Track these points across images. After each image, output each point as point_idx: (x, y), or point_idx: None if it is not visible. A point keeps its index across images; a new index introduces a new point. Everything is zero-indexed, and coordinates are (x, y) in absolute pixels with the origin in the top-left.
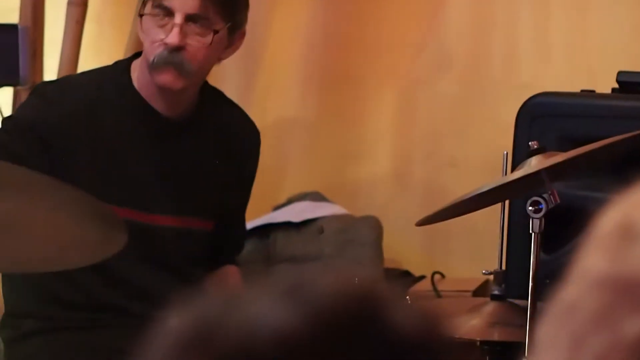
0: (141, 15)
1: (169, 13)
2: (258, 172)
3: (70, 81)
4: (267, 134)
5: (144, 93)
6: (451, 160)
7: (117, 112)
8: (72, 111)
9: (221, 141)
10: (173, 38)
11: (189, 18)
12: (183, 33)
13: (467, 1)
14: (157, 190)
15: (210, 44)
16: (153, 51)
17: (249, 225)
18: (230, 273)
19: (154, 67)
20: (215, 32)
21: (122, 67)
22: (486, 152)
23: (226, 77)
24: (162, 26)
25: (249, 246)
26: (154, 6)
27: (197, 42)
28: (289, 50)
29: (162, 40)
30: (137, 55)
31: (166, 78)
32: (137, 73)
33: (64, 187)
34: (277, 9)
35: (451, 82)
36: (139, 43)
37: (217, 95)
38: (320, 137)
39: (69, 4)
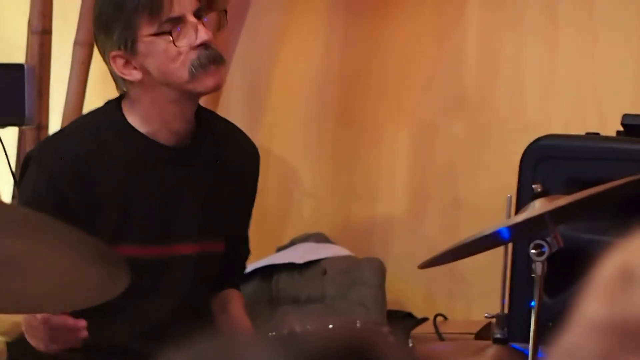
0: (133, 43)
1: (177, 22)
2: (263, 213)
3: (65, 137)
4: (272, 174)
5: (143, 128)
6: (456, 201)
7: (121, 154)
8: (76, 169)
9: (223, 160)
10: (205, 35)
11: (197, 15)
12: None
13: (474, 42)
14: (175, 220)
15: (227, 24)
16: (184, 63)
17: (253, 266)
18: (234, 299)
19: (197, 73)
20: (225, 11)
21: (114, 108)
22: (491, 193)
23: (230, 116)
24: (178, 38)
25: (251, 287)
26: (162, 23)
27: (215, 30)
28: (294, 89)
29: (192, 45)
30: (122, 96)
31: (215, 77)
32: (133, 110)
33: (66, 228)
34: (282, 47)
35: (457, 123)
36: None
37: (210, 115)
38: (324, 178)
39: (75, 44)
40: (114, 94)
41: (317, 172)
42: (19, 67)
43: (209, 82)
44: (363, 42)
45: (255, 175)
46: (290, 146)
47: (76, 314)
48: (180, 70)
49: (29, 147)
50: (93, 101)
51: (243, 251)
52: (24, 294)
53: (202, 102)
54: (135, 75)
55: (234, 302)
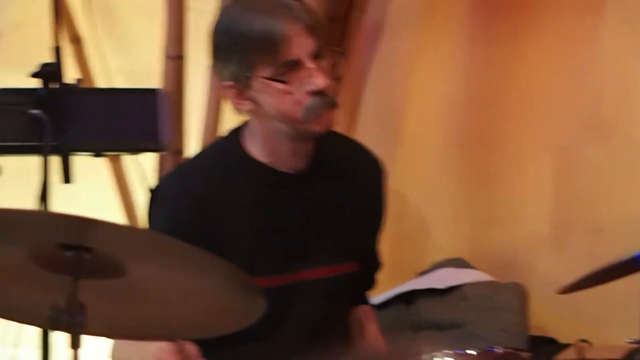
0: (247, 79)
1: (293, 65)
2: (402, 238)
3: (187, 175)
4: (411, 199)
5: (262, 157)
6: (598, 226)
7: (243, 186)
8: (199, 208)
9: (346, 180)
10: (322, 82)
11: (315, 56)
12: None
13: (611, 65)
14: (305, 246)
15: (342, 67)
16: (297, 106)
17: (394, 291)
18: (368, 317)
19: (309, 118)
20: (341, 54)
21: (234, 138)
22: (634, 218)
23: (365, 143)
24: (293, 82)
25: (393, 312)
26: (279, 66)
27: (332, 73)
28: (431, 115)
29: (307, 91)
30: (243, 125)
31: (326, 121)
32: (252, 140)
33: (202, 255)
34: (417, 72)
35: (595, 146)
36: None
37: (331, 136)
38: (464, 203)
39: (210, 68)
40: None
41: (457, 196)
42: (153, 92)
43: (320, 126)
44: (500, 66)
45: (381, 190)
46: (429, 171)
47: (214, 342)
48: (293, 111)
49: (167, 171)
50: (229, 126)
51: (374, 266)
52: (159, 320)
53: (339, 130)
54: (247, 106)
55: (368, 321)
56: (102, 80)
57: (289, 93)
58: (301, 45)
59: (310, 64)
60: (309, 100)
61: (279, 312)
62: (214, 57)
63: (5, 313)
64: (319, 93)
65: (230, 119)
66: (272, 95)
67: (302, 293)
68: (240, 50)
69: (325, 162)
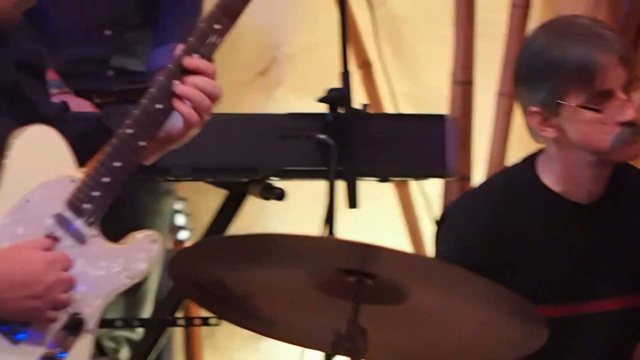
0: (556, 106)
1: (606, 96)
2: None
3: (477, 200)
4: None
5: (556, 187)
6: None
7: (535, 215)
8: (488, 234)
9: (637, 210)
10: (631, 114)
11: (625, 89)
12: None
13: None
14: (593, 277)
15: None
16: (607, 135)
17: None
18: None
19: (617, 148)
20: None
21: (528, 166)
22: None
23: None
24: (605, 112)
25: None
26: (593, 96)
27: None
28: None
29: (618, 121)
30: (538, 153)
31: (633, 151)
32: (547, 168)
33: (482, 282)
34: None
35: None
36: None
37: (622, 164)
38: None
39: (498, 94)
40: (536, 146)
41: None
42: (440, 118)
43: (628, 155)
44: None
45: None
46: None
47: None
48: (601, 142)
49: (452, 198)
50: (516, 153)
51: None
52: (438, 346)
53: None
54: (550, 133)
55: None
56: (389, 106)
57: (602, 122)
58: (616, 77)
59: (622, 95)
60: (619, 130)
61: (563, 342)
62: (519, 80)
63: (288, 337)
64: (628, 123)
65: (517, 146)
66: (582, 124)
67: (589, 324)
68: (553, 77)
69: (619, 193)
